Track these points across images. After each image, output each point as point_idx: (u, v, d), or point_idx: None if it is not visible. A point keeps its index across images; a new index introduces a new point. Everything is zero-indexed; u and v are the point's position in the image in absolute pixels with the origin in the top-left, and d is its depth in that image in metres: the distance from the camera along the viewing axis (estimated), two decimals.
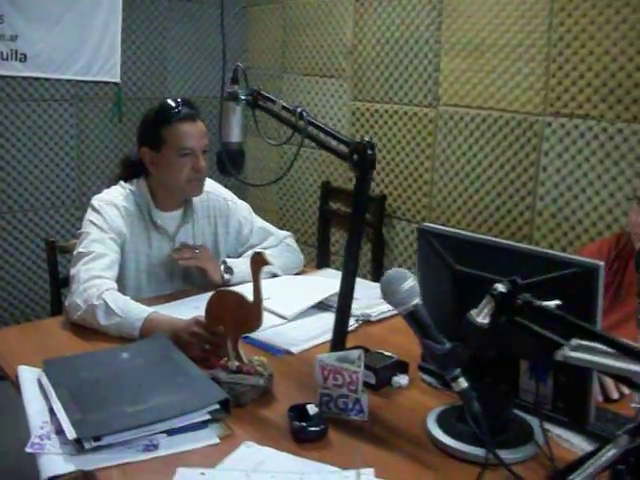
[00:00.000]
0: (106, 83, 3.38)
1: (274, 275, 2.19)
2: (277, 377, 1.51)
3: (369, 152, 1.41)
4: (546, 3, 2.65)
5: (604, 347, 0.88)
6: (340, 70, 3.54)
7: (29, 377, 1.49)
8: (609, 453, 0.87)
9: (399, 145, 3.31)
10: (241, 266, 2.13)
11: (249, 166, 4.20)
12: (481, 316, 1.00)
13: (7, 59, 3.03)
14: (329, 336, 1.60)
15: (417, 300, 1.10)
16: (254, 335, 1.77)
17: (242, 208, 2.28)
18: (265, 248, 2.25)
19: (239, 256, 2.24)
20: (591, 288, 1.11)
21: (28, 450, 1.22)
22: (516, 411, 1.33)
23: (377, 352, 1.58)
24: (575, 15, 2.58)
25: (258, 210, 4.13)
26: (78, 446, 1.22)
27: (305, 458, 1.22)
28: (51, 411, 1.34)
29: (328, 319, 1.74)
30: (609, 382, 1.49)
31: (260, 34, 3.99)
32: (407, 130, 3.26)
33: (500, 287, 0.99)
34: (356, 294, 1.61)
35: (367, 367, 1.47)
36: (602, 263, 1.10)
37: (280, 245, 2.27)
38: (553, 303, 0.98)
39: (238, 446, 1.26)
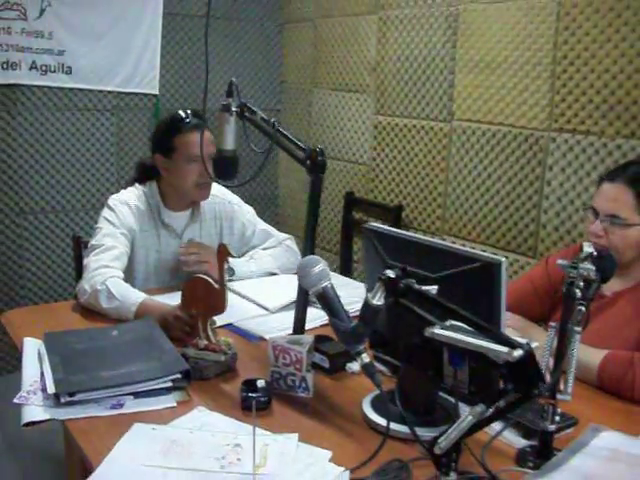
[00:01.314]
0: (145, 95, 3.65)
1: (273, 274, 2.37)
2: (244, 358, 1.69)
3: (319, 158, 1.58)
4: (552, 22, 2.76)
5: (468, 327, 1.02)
6: (364, 85, 3.71)
7: (31, 347, 1.71)
8: (467, 419, 1.01)
9: (416, 158, 3.45)
10: (242, 266, 2.33)
11: (279, 174, 4.43)
12: (375, 298, 1.15)
13: (54, 71, 3.34)
14: (306, 327, 1.77)
15: (326, 283, 1.26)
16: (237, 323, 1.96)
17: (246, 211, 2.48)
18: (266, 248, 2.45)
19: (242, 255, 2.44)
20: (494, 280, 1.24)
21: (15, 401, 1.44)
22: (449, 397, 1.46)
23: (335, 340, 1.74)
24: (578, 33, 2.68)
25: (287, 217, 4.38)
26: (56, 400, 1.42)
27: (246, 423, 1.38)
28: (42, 374, 1.55)
29: (310, 313, 1.90)
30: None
31: (294, 51, 4.20)
32: (424, 144, 3.40)
33: (389, 273, 1.14)
34: (340, 292, 1.76)
35: (322, 352, 1.64)
36: (504, 259, 1.24)
37: (280, 246, 2.45)
38: (432, 288, 1.12)
39: (191, 410, 1.44)
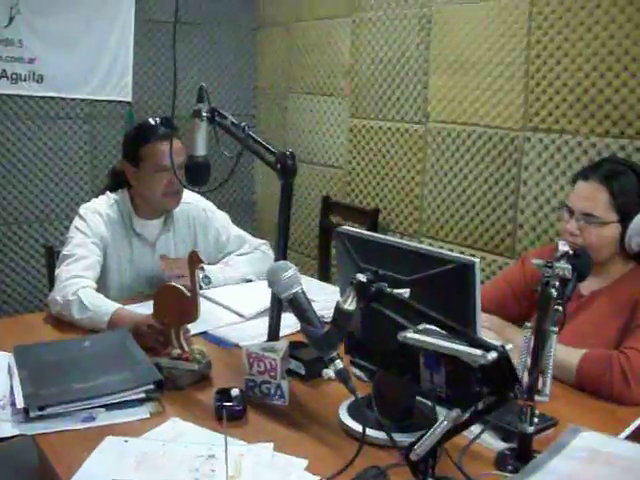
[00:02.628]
0: (118, 102, 3.61)
1: (248, 281, 2.34)
2: (219, 366, 1.66)
3: (289, 162, 1.56)
4: (524, 22, 2.76)
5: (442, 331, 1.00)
6: (339, 89, 3.70)
7: (0, 360, 1.67)
8: (443, 424, 0.99)
9: (392, 160, 3.44)
10: (217, 273, 2.30)
11: (256, 180, 4.40)
12: (347, 303, 1.13)
13: (25, 80, 3.29)
14: (281, 333, 1.74)
15: (297, 288, 1.23)
16: (212, 331, 1.93)
17: (220, 218, 2.45)
18: (241, 254, 2.42)
19: (217, 262, 2.40)
20: (468, 281, 1.23)
21: None
22: (427, 402, 1.44)
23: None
24: (551, 33, 2.68)
25: (265, 222, 4.35)
26: (25, 415, 1.39)
27: (220, 433, 1.35)
28: (12, 388, 1.51)
29: (285, 319, 1.87)
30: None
31: (268, 55, 4.18)
32: (399, 146, 3.39)
33: (360, 277, 1.12)
34: (316, 297, 1.74)
35: (297, 359, 1.61)
36: (477, 260, 1.22)
37: (255, 252, 2.43)
38: (404, 291, 1.10)
39: (165, 421, 1.41)
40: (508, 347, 0.96)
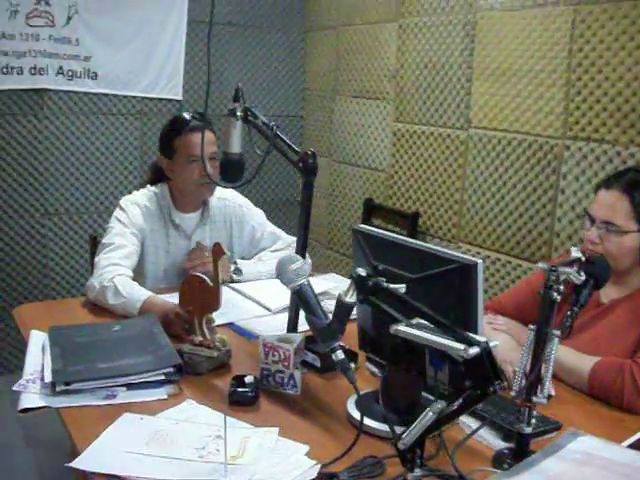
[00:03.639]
0: (169, 100, 3.74)
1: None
2: (240, 356, 1.74)
3: (310, 161, 1.62)
4: (567, 30, 2.75)
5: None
6: (384, 93, 3.74)
7: (37, 339, 1.77)
8: (428, 415, 1.03)
9: (434, 165, 3.46)
10: (249, 267, 2.37)
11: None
12: (348, 296, 1.18)
13: (81, 77, 3.44)
14: (303, 328, 1.80)
15: (303, 280, 1.29)
16: (238, 322, 2.00)
17: (256, 214, 2.53)
18: (275, 251, 2.49)
19: (251, 257, 2.48)
20: (471, 280, 1.26)
21: (14, 388, 1.51)
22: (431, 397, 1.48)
23: None
24: (593, 41, 2.67)
25: (310, 224, 4.41)
26: (52, 389, 1.48)
27: (230, 416, 1.42)
28: (43, 365, 1.62)
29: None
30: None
31: (316, 58, 4.26)
32: (441, 151, 3.41)
33: (360, 271, 1.17)
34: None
35: (314, 352, 1.67)
36: (480, 261, 1.25)
37: (288, 249, 2.49)
38: (400, 286, 1.15)
39: (180, 403, 1.48)
40: (492, 344, 0.99)
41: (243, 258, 2.48)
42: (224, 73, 3.92)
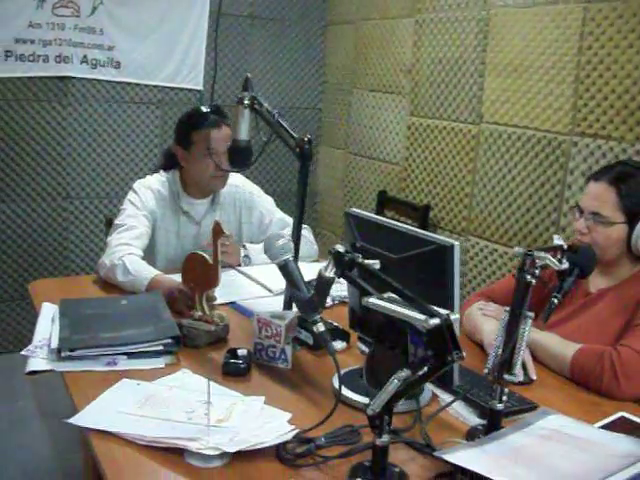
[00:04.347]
0: (189, 90, 3.84)
1: None
2: (238, 332, 1.83)
3: (306, 147, 1.70)
4: (577, 27, 2.79)
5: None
6: (400, 87, 3.80)
7: (48, 311, 1.89)
8: (393, 383, 1.10)
9: (446, 159, 3.51)
10: (258, 253, 2.46)
11: (319, 172, 4.55)
12: (327, 271, 1.26)
13: (104, 66, 3.56)
14: None
15: (288, 256, 1.37)
16: (239, 302, 2.09)
17: (266, 201, 2.61)
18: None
19: (260, 242, 2.57)
20: (448, 261, 1.33)
21: (22, 353, 1.62)
22: None
23: (327, 321, 1.84)
24: (602, 39, 2.70)
25: (325, 213, 4.50)
26: (58, 354, 1.59)
27: (222, 385, 1.51)
28: (51, 334, 1.72)
29: None
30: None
31: (336, 52, 4.33)
32: (453, 145, 3.46)
33: (338, 247, 1.24)
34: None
35: (308, 330, 1.75)
36: (457, 242, 1.32)
37: None
38: (374, 262, 1.22)
39: (176, 371, 1.58)
40: (453, 317, 1.06)
41: (251, 243, 2.56)
42: (244, 65, 4.01)
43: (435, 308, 1.07)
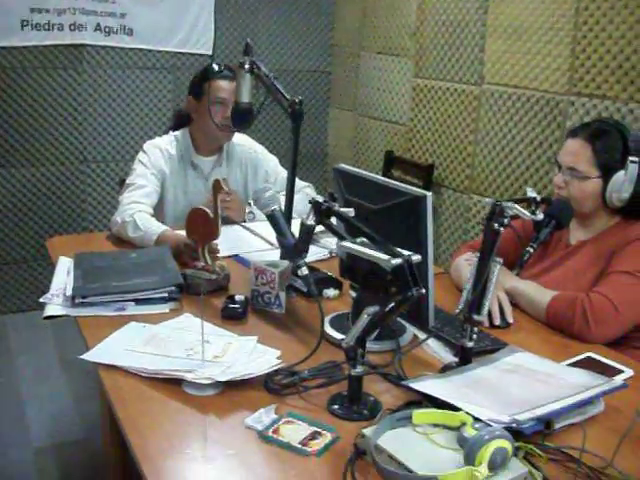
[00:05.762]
0: (200, 55, 3.94)
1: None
2: (239, 282, 1.97)
3: (297, 107, 1.82)
4: None
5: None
6: (405, 49, 3.87)
7: (63, 263, 2.04)
8: (364, 318, 1.24)
9: (449, 119, 3.60)
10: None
11: (329, 133, 4.65)
12: (309, 219, 1.39)
13: (117, 33, 3.68)
14: None
15: (275, 206, 1.50)
16: (242, 254, 2.23)
17: (271, 160, 2.74)
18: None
19: None
20: (422, 212, 1.45)
21: (40, 300, 1.78)
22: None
23: (321, 271, 1.98)
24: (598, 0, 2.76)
25: None
26: (72, 301, 1.74)
27: (220, 327, 1.66)
28: (66, 284, 1.87)
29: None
30: (495, 310, 1.80)
31: (344, 15, 4.39)
32: (456, 106, 3.54)
33: (318, 198, 1.37)
34: None
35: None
36: (429, 193, 1.44)
37: (299, 193, 2.68)
38: (348, 210, 1.35)
39: (179, 315, 1.73)
40: (414, 258, 1.18)
41: (255, 201, 2.69)
42: (254, 29, 4.09)
43: (399, 250, 1.20)
